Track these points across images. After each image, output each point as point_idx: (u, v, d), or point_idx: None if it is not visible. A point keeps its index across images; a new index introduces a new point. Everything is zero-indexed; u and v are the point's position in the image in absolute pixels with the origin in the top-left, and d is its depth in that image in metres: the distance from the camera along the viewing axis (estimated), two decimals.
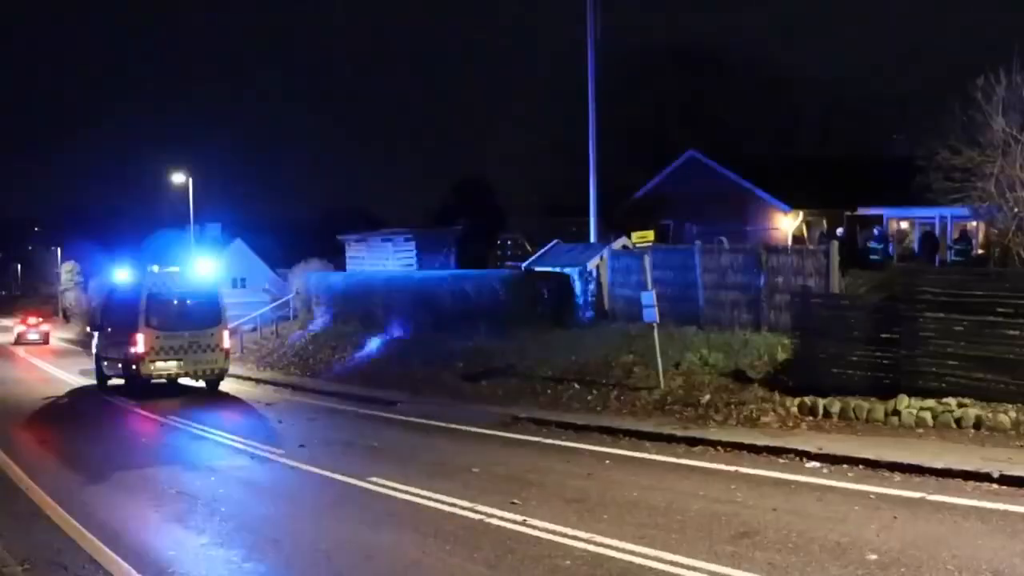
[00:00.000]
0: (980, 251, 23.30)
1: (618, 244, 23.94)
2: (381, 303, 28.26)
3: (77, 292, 68.16)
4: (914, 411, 13.00)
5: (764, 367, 16.25)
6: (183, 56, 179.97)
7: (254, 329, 34.38)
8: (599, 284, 23.11)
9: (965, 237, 23.75)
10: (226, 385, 23.65)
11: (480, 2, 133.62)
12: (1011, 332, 12.62)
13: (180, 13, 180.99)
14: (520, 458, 13.14)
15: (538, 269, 25.63)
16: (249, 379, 25.93)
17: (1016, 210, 16.14)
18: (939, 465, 10.64)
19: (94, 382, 25.47)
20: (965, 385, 12.95)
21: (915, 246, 27.77)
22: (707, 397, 15.44)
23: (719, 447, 12.84)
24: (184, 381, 23.12)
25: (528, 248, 39.41)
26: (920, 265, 21.69)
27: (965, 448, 11.49)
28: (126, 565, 8.41)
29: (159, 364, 21.93)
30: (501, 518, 9.60)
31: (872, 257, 23.50)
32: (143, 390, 21.99)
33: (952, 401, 12.86)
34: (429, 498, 10.63)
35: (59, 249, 74.83)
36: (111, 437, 16.77)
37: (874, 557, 7.79)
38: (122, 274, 26.05)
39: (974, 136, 16.49)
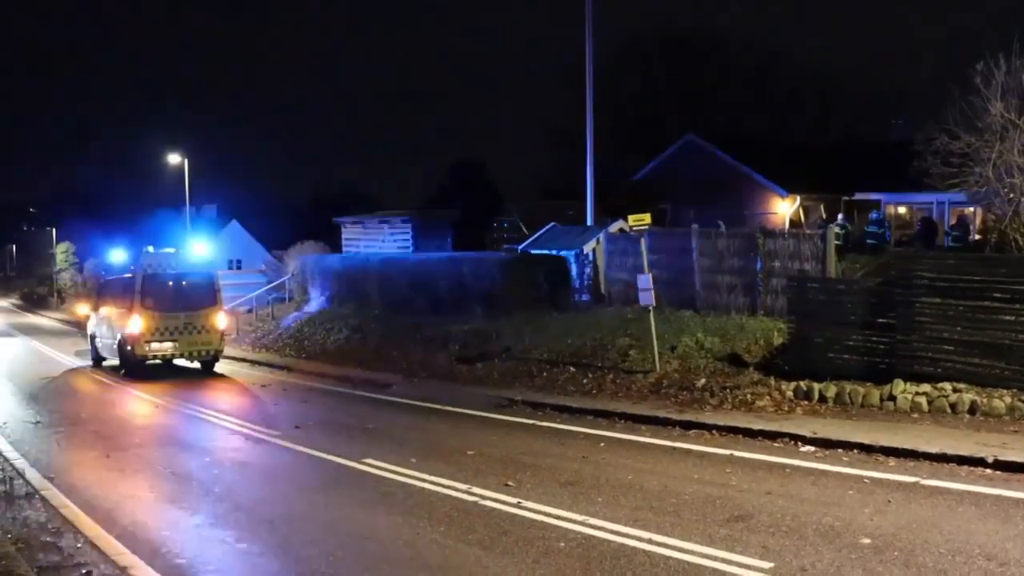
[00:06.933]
0: (977, 237, 23.28)
1: (615, 227, 23.88)
2: (377, 285, 28.22)
3: (72, 273, 67.93)
4: (909, 396, 13.02)
5: (760, 351, 16.26)
6: (180, 38, 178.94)
7: (250, 311, 34.32)
8: (595, 267, 23.08)
9: (963, 223, 23.72)
10: (221, 366, 23.64)
11: None
12: (1007, 317, 12.62)
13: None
14: (515, 441, 13.14)
15: (534, 252, 25.59)
16: (244, 360, 25.89)
17: (1012, 196, 16.09)
18: (934, 450, 10.65)
19: (89, 363, 25.46)
20: (960, 370, 12.97)
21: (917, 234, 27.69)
22: (703, 381, 15.45)
23: (714, 431, 12.85)
24: (179, 362, 23.10)
25: (524, 231, 39.32)
26: (917, 250, 21.67)
27: (960, 433, 11.51)
28: (120, 545, 8.40)
29: (154, 345, 21.92)
30: (495, 500, 9.61)
31: (869, 241, 23.48)
32: (138, 371, 21.98)
33: (947, 386, 12.88)
34: (423, 480, 10.63)
35: (54, 230, 74.41)
36: (106, 418, 16.74)
37: (868, 541, 7.80)
38: (118, 255, 25.99)
39: (973, 121, 16.41)
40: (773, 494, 9.46)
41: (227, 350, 24.38)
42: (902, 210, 31.58)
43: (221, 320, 22.92)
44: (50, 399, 19.22)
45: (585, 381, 17.04)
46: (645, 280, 16.55)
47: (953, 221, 25.88)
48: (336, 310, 29.11)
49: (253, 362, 25.65)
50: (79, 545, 8.45)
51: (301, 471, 11.85)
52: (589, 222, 26.36)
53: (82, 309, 38.56)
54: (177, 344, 22.12)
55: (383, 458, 11.88)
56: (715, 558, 7.52)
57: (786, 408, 13.79)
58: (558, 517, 8.86)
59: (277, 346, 28.05)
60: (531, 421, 14.71)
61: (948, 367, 13.10)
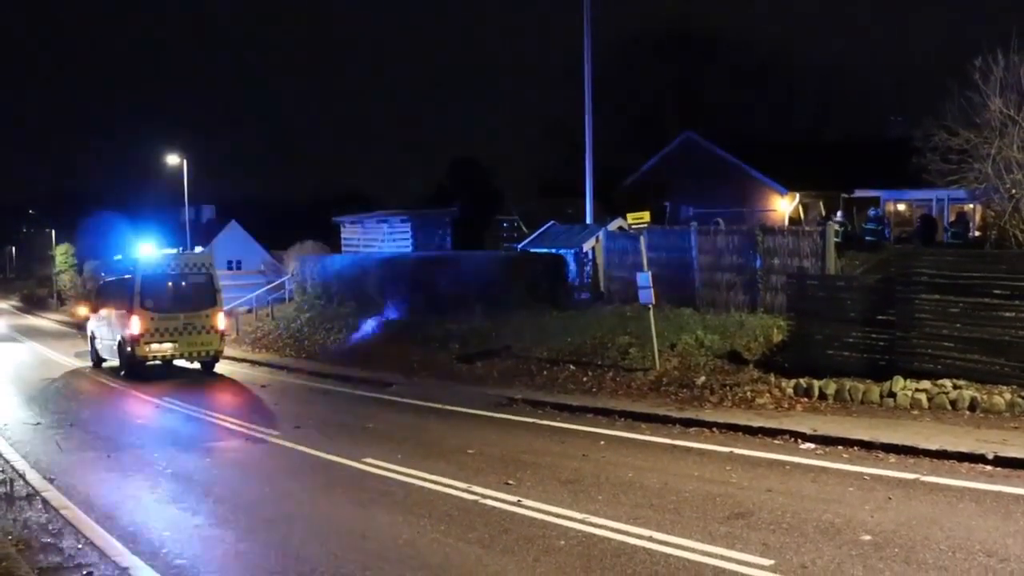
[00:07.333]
0: (977, 233, 23.26)
1: (614, 225, 23.87)
2: (376, 285, 28.21)
3: (72, 274, 67.90)
4: (909, 392, 13.02)
5: (760, 348, 16.25)
6: (180, 38, 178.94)
7: (249, 311, 34.33)
8: (595, 265, 23.07)
9: (962, 219, 23.72)
10: (221, 367, 23.64)
11: None
12: (1007, 314, 12.62)
13: None
14: (515, 439, 13.14)
15: (534, 250, 25.60)
16: (244, 361, 25.89)
17: (1013, 191, 16.07)
18: (934, 446, 10.65)
19: (89, 364, 25.46)
20: (960, 367, 12.97)
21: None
22: (702, 378, 15.45)
23: (714, 428, 12.85)
24: (179, 363, 23.09)
25: (524, 230, 39.28)
26: (916, 247, 21.67)
27: (960, 430, 11.50)
28: (120, 546, 8.40)
29: (154, 346, 21.91)
30: (496, 499, 9.60)
31: (868, 238, 23.47)
32: (138, 372, 21.98)
33: (947, 383, 12.88)
34: (424, 479, 10.63)
35: (53, 232, 74.36)
36: (106, 418, 16.75)
37: (868, 538, 7.80)
38: (117, 256, 25.96)
39: (971, 117, 16.39)
40: (773, 491, 9.46)
41: (227, 350, 24.38)
42: (901, 207, 31.56)
43: (221, 320, 22.91)
44: (50, 400, 19.22)
45: (585, 379, 17.04)
46: (645, 278, 16.54)
47: (952, 218, 25.91)
48: (336, 310, 29.11)
49: (253, 362, 25.66)
50: (80, 546, 8.45)
51: (301, 471, 11.85)
52: (588, 220, 26.33)
53: (82, 310, 38.59)
54: (177, 345, 22.12)
55: (383, 457, 11.88)
56: (716, 555, 7.51)
57: (786, 405, 13.79)
58: (558, 515, 8.86)
59: (277, 346, 28.06)
60: (531, 419, 14.71)
61: (948, 364, 13.10)
